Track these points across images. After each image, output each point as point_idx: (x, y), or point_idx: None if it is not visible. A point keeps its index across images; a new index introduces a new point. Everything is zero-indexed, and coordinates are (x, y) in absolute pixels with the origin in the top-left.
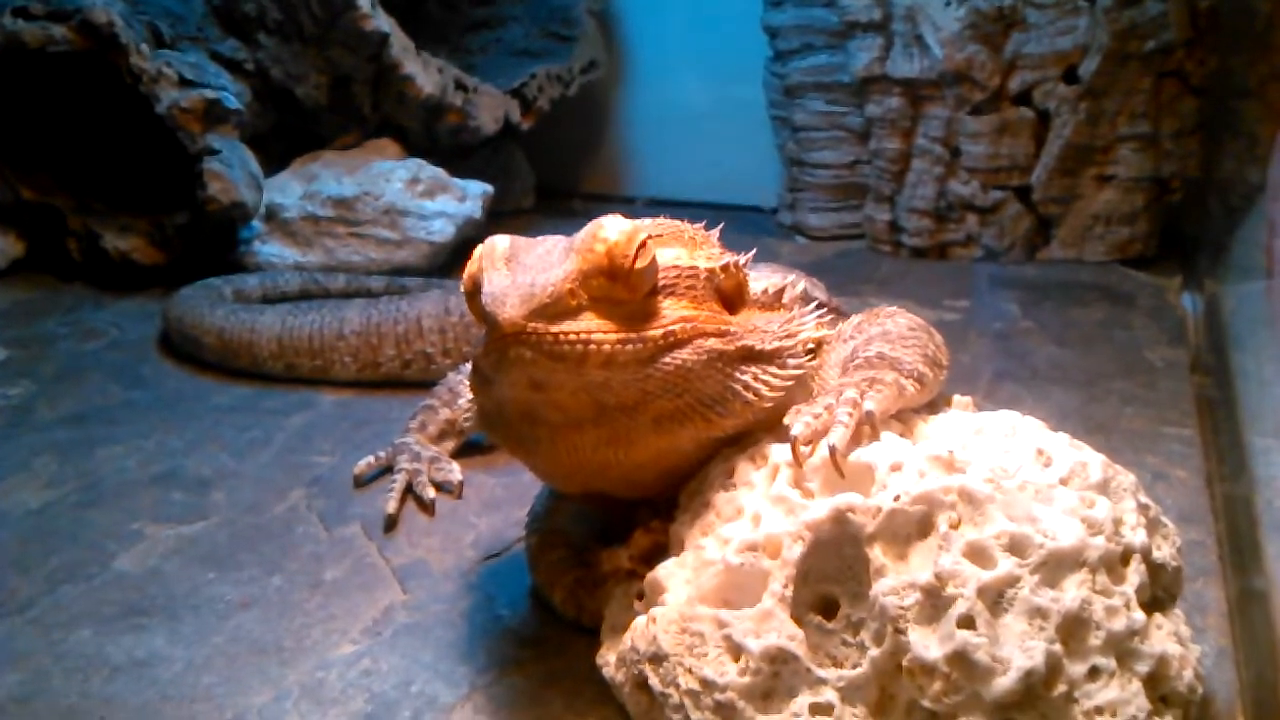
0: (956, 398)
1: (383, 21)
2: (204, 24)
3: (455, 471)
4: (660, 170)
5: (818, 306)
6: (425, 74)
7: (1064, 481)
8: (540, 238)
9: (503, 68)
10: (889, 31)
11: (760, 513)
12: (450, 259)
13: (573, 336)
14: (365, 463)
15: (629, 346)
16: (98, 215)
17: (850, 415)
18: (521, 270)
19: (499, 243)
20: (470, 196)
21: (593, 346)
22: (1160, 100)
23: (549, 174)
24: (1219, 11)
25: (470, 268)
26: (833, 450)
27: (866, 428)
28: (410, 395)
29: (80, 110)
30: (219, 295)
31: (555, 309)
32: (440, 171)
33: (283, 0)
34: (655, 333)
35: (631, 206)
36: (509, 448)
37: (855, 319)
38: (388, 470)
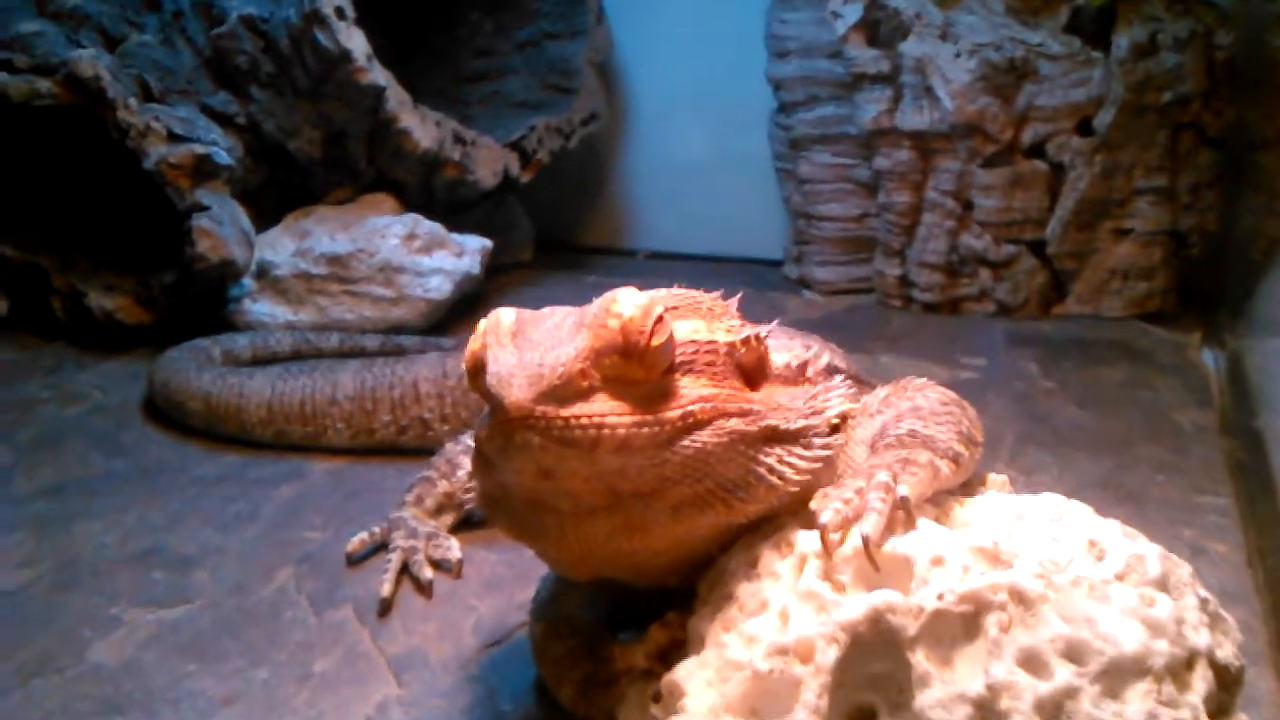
0: (992, 476)
1: (379, 75)
2: (194, 77)
3: (454, 549)
4: (662, 223)
5: (844, 377)
6: (423, 128)
7: (1120, 577)
8: (548, 310)
9: (501, 120)
10: (898, 83)
11: (788, 609)
12: (448, 316)
13: (585, 421)
14: (358, 539)
15: (645, 430)
16: (83, 273)
17: (884, 500)
18: (528, 347)
19: (504, 317)
20: (468, 252)
21: (606, 431)
22: (1177, 153)
23: (549, 227)
24: (1236, 62)
25: (472, 344)
26: (866, 540)
27: (901, 514)
28: (406, 464)
29: (67, 165)
30: (206, 357)
31: (565, 391)
32: (437, 226)
33: (276, 53)
34: (673, 414)
35: (633, 260)
36: (513, 534)
37: (881, 391)
38: (382, 547)
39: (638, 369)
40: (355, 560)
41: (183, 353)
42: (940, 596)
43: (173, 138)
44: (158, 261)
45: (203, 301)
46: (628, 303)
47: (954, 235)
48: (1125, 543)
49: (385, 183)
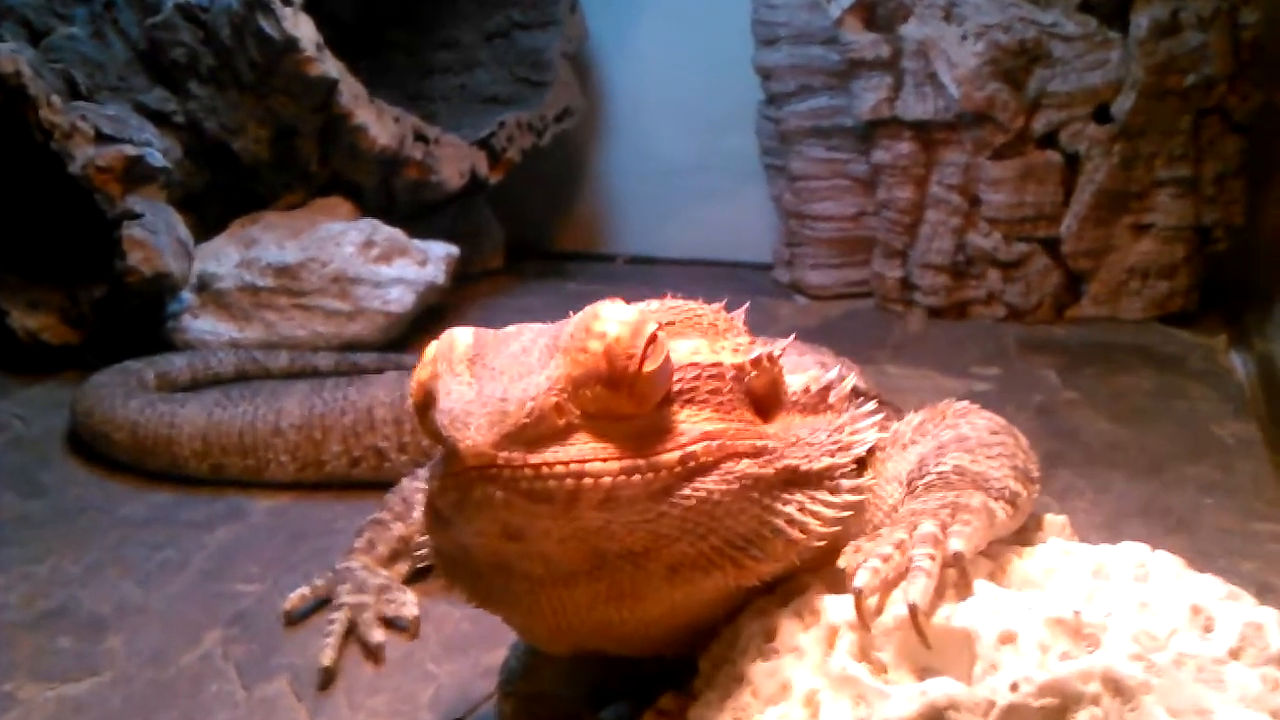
0: (1049, 517)
1: (330, 66)
2: (127, 72)
3: (410, 604)
4: (643, 226)
5: (868, 402)
6: (380, 124)
7: (1235, 654)
8: (514, 329)
9: (468, 116)
10: (898, 69)
11: (818, 696)
12: (410, 331)
13: (560, 469)
14: (299, 594)
15: (636, 478)
16: (7, 289)
17: (931, 558)
18: (490, 377)
19: (459, 339)
20: (432, 259)
21: (588, 481)
22: (1201, 141)
23: (521, 231)
24: (1262, 41)
25: (420, 374)
26: (913, 609)
27: (953, 573)
28: (360, 500)
29: None
30: (138, 382)
31: (536, 431)
32: (398, 233)
33: (217, 44)
34: (671, 457)
35: (612, 265)
36: (476, 601)
37: (914, 417)
38: (326, 603)
39: (626, 401)
40: (295, 619)
41: (110, 377)
42: (1015, 687)
43: (101, 138)
44: (89, 276)
45: (138, 319)
46: (613, 319)
47: (960, 233)
48: (1234, 607)
49: (341, 185)
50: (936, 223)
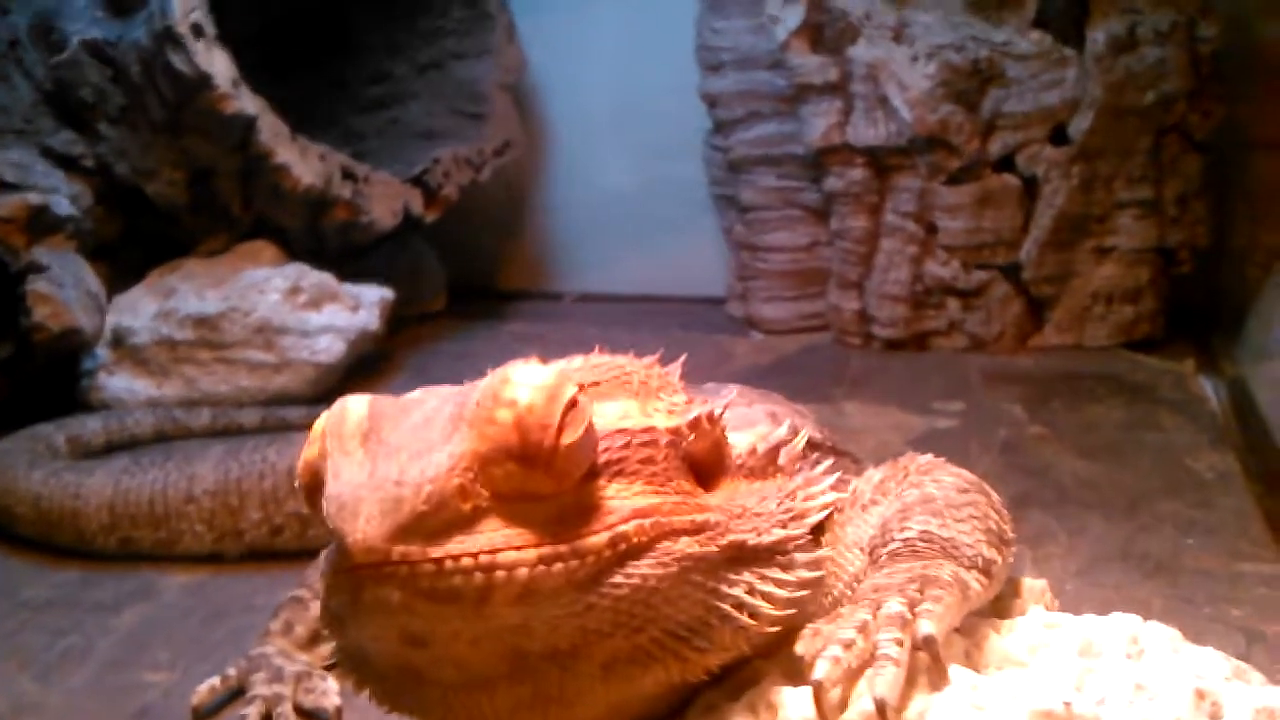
0: (1028, 582)
1: (247, 102)
2: (32, 114)
3: (330, 692)
4: (591, 262)
5: (823, 458)
6: (304, 163)
7: None
8: (417, 394)
9: (402, 151)
10: (848, 93)
11: None
12: (342, 382)
13: (467, 562)
14: (208, 686)
15: (558, 566)
16: None
17: (899, 644)
18: (385, 455)
19: (350, 410)
20: (365, 305)
21: (500, 574)
22: (1162, 160)
23: (463, 271)
24: (1222, 56)
25: (307, 452)
26: (881, 705)
27: (924, 657)
28: (284, 571)
29: None
30: (46, 447)
31: (437, 520)
32: (327, 277)
33: (126, 81)
34: (598, 540)
35: (559, 304)
36: (388, 706)
37: (874, 474)
38: (240, 692)
39: (543, 479)
40: (204, 714)
41: (15, 444)
42: None
43: (3, 186)
44: None
45: (50, 379)
46: (524, 384)
47: (917, 262)
48: (1242, 691)
49: (266, 229)
50: (892, 252)
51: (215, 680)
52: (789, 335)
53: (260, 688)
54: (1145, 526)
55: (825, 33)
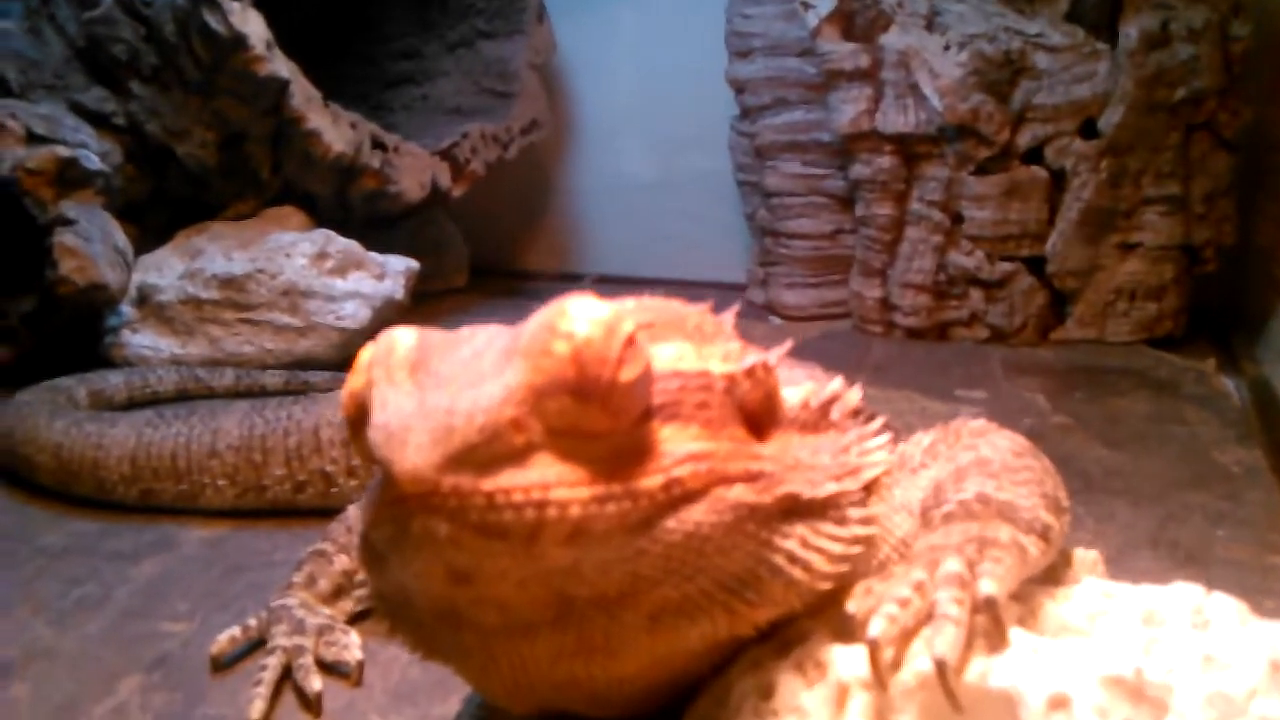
0: (1079, 552)
1: (280, 65)
2: (64, 70)
3: (353, 646)
4: (612, 244)
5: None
6: (335, 129)
7: None
8: (466, 330)
9: (431, 128)
10: (878, 81)
11: None
12: None
13: (519, 497)
14: (228, 636)
15: (610, 508)
16: None
17: (959, 603)
18: (434, 386)
19: (399, 341)
20: (390, 274)
21: (552, 512)
22: (1190, 157)
23: (485, 248)
24: (1253, 55)
25: (352, 382)
26: (941, 665)
27: (984, 620)
28: (304, 528)
29: None
30: (68, 400)
31: (489, 451)
32: (354, 245)
33: (160, 41)
34: (652, 483)
35: (579, 285)
36: (422, 653)
37: (923, 437)
38: (261, 643)
39: (598, 416)
40: (224, 664)
41: (37, 395)
42: None
43: (33, 139)
44: (19, 287)
45: (74, 334)
46: (583, 317)
47: (941, 252)
48: None
49: (294, 195)
50: (917, 240)
51: (236, 630)
52: (809, 322)
53: (281, 639)
54: (1174, 516)
55: (857, 20)
